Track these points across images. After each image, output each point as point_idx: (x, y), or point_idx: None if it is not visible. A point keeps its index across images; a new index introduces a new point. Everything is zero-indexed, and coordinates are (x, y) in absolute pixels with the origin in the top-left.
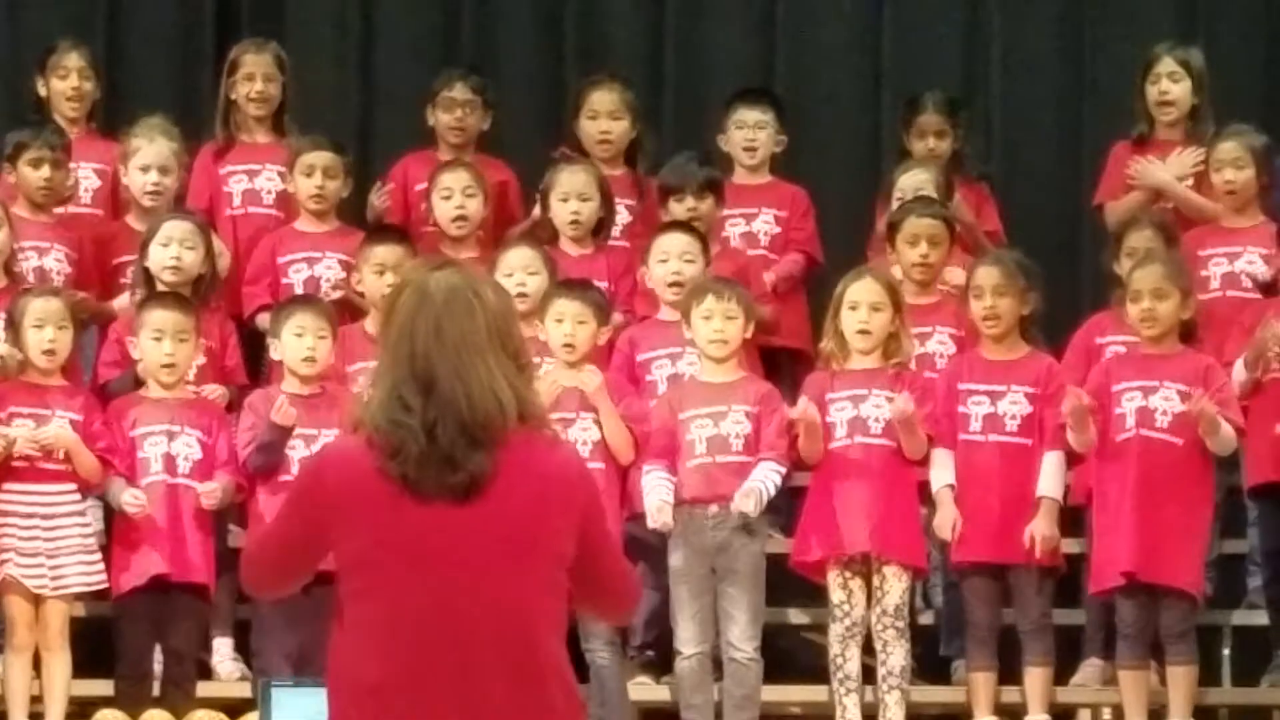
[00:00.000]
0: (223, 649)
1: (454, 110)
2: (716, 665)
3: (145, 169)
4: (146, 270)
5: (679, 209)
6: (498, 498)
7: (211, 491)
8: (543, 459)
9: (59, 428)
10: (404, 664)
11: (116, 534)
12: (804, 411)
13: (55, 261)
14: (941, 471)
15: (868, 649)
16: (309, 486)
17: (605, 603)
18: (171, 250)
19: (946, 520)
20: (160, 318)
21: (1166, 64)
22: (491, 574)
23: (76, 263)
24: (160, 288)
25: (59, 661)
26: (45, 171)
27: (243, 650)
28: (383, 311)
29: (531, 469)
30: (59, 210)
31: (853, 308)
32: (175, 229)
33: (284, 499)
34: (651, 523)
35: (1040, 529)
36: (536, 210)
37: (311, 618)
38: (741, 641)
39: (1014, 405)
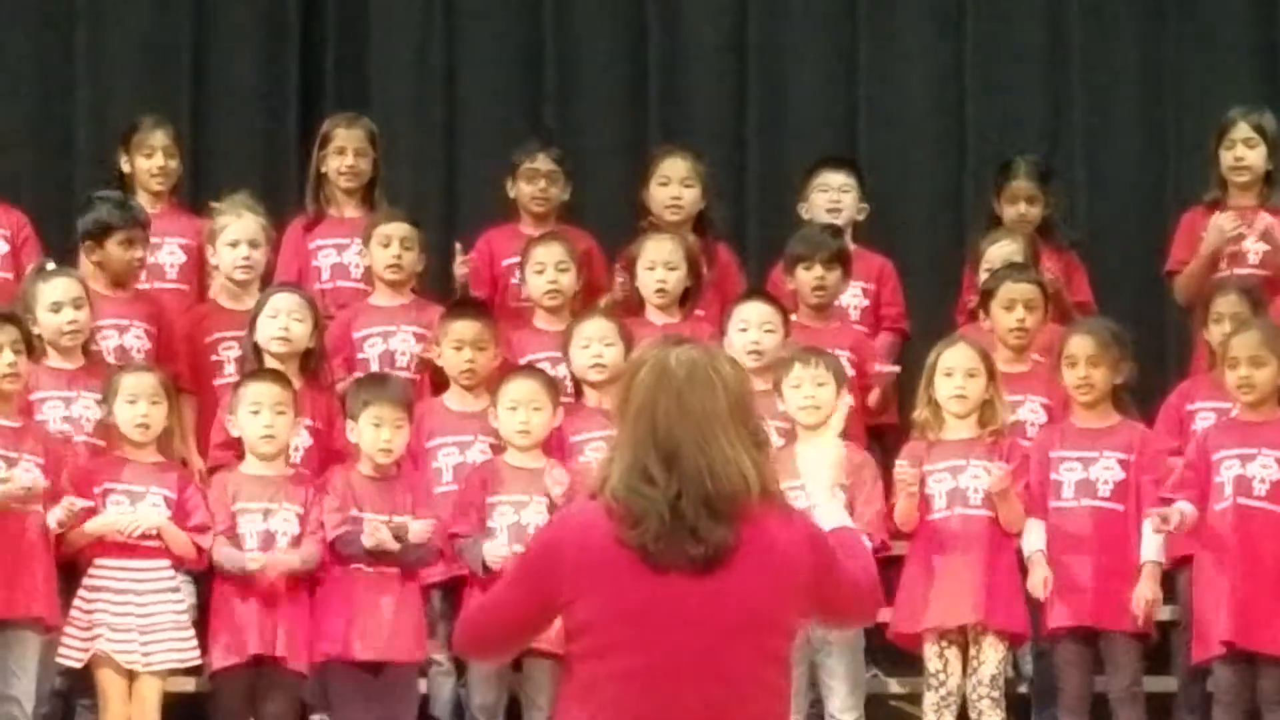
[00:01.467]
0: None
1: (536, 181)
2: None
3: (234, 244)
4: (256, 345)
5: (807, 277)
6: (735, 572)
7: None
8: (779, 534)
9: (149, 508)
10: None
11: (213, 610)
12: (908, 475)
13: (135, 339)
14: (1034, 538)
15: (962, 717)
16: (546, 552)
17: (846, 620)
18: (280, 321)
19: (1038, 579)
20: (257, 391)
21: (1241, 129)
22: (722, 646)
23: (156, 338)
24: (269, 361)
25: None
26: (139, 252)
27: None
28: (621, 386)
29: (768, 544)
30: (142, 286)
31: (948, 374)
32: (283, 301)
33: (515, 563)
34: None
35: (1145, 593)
36: (617, 286)
37: (386, 694)
38: (842, 712)
39: (1106, 470)
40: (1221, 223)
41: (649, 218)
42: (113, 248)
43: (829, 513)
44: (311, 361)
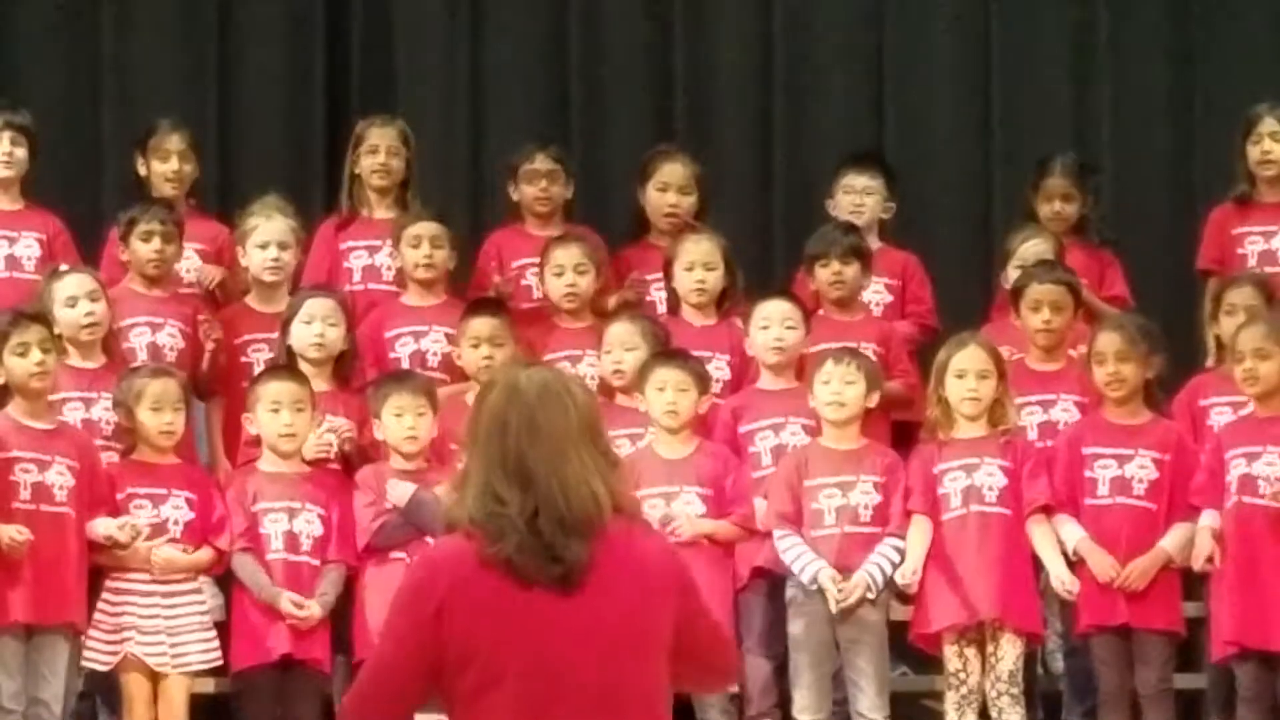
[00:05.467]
0: None
1: (537, 181)
2: None
3: (264, 246)
4: (289, 349)
5: (824, 274)
6: (598, 589)
7: (310, 617)
8: (639, 549)
9: (167, 551)
10: None
11: (238, 610)
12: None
13: (168, 337)
14: (1072, 529)
15: (984, 715)
16: (423, 589)
17: (707, 677)
18: (315, 328)
19: (1105, 563)
20: (276, 389)
21: (1268, 123)
22: (600, 663)
23: (190, 338)
24: (303, 365)
25: None
26: (156, 244)
27: None
28: (473, 409)
29: (629, 559)
30: (181, 291)
31: (959, 376)
32: (318, 306)
33: (389, 615)
34: (817, 583)
35: (1135, 564)
36: (628, 285)
37: None
38: (871, 711)
39: (1142, 469)
40: None
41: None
42: (134, 242)
43: None
44: (345, 364)
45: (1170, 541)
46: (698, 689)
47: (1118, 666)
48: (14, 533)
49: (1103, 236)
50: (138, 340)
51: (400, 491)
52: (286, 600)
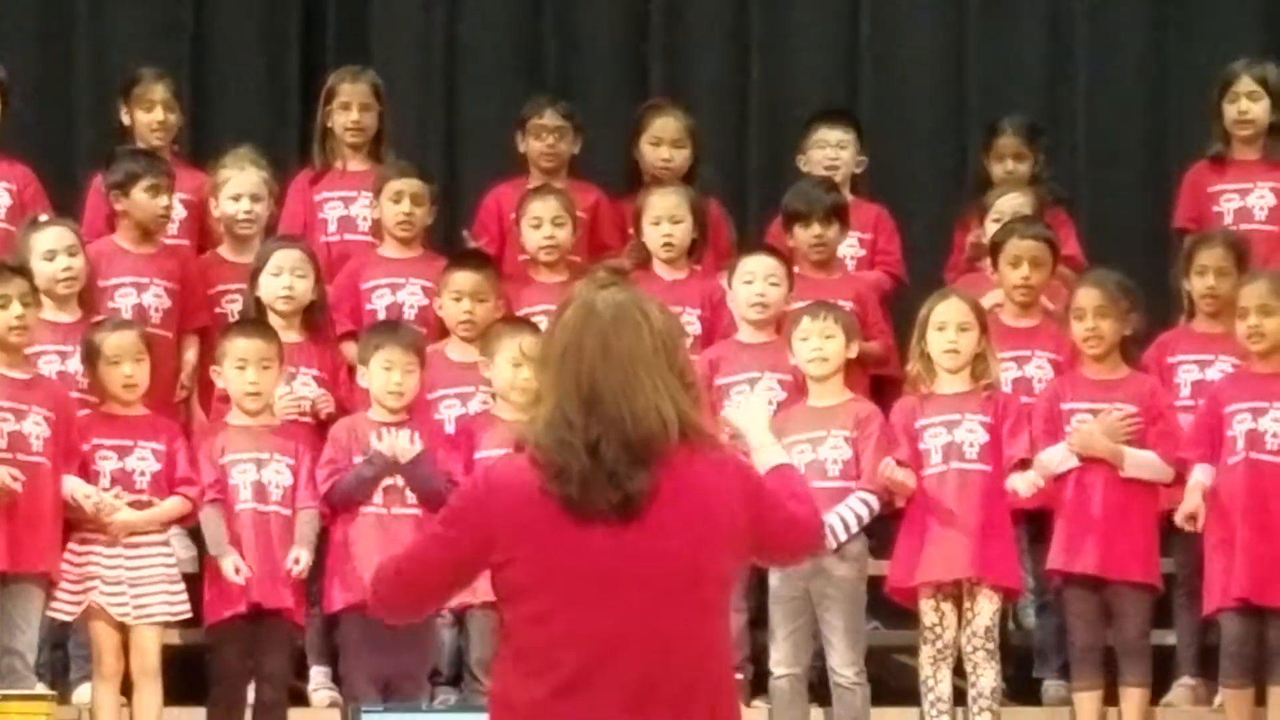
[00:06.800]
0: (318, 677)
1: (544, 137)
2: (812, 687)
3: (237, 198)
4: (258, 300)
5: (805, 235)
6: (657, 521)
7: (303, 569)
8: (705, 477)
9: (125, 514)
10: (571, 689)
11: (210, 561)
12: (890, 474)
13: (154, 298)
14: (1052, 452)
15: (959, 671)
16: (477, 507)
17: (789, 556)
18: (283, 280)
19: (1093, 422)
20: (243, 346)
21: (1245, 82)
22: (655, 597)
23: (177, 295)
24: (272, 316)
25: (150, 690)
26: (164, 200)
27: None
28: (547, 329)
29: (691, 489)
30: (166, 241)
31: (940, 328)
32: (286, 258)
33: (441, 517)
34: None
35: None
36: (628, 251)
37: (398, 644)
38: (843, 666)
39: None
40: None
41: (652, 173)
42: (139, 195)
43: (769, 454)
44: (315, 314)
45: (1134, 452)
46: (781, 565)
47: (1091, 621)
48: (10, 473)
49: (1056, 196)
50: (123, 301)
51: (400, 444)
52: (230, 564)
